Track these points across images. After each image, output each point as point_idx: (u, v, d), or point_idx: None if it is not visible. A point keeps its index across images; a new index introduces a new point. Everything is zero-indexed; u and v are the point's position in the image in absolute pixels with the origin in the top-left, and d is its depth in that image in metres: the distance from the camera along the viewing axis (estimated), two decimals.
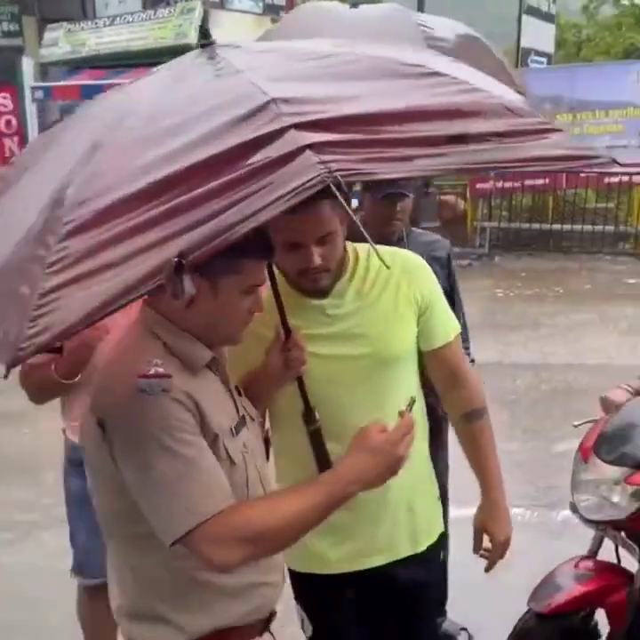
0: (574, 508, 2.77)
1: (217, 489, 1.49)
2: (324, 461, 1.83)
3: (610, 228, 12.31)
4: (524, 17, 15.04)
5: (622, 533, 2.75)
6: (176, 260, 1.17)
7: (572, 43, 22.33)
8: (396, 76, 1.52)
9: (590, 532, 2.88)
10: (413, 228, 3.16)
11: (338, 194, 1.21)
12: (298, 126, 1.27)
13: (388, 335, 2.01)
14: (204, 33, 1.57)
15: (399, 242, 2.88)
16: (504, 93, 1.58)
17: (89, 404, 1.55)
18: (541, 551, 3.62)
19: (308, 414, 1.87)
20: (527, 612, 2.72)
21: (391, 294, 2.02)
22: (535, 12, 15.50)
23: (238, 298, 1.53)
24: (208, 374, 1.61)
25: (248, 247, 1.41)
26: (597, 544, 2.86)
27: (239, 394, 1.73)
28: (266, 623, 1.74)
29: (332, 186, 1.19)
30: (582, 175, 10.44)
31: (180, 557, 1.52)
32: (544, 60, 15.39)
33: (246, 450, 1.64)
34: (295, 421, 1.90)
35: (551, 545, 3.96)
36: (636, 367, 3.27)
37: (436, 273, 2.18)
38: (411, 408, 1.63)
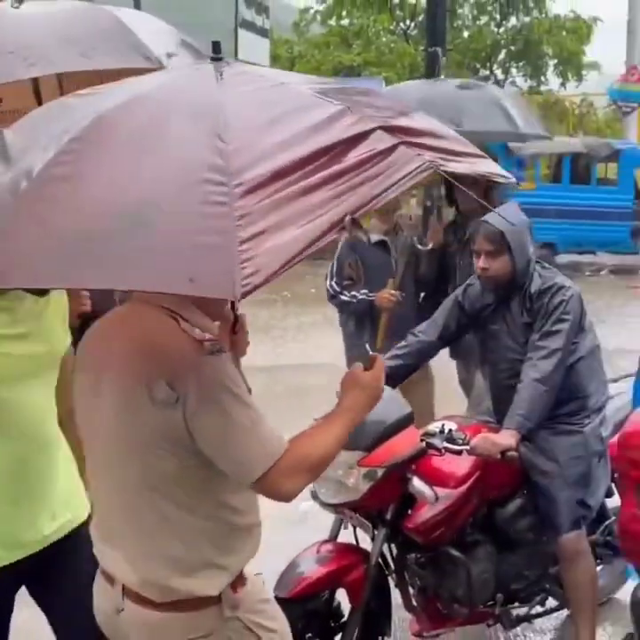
0: (315, 496, 2.91)
1: (275, 431, 1.74)
2: None
3: None
4: (240, 30, 15.44)
5: (358, 514, 2.94)
6: (350, 216, 1.44)
7: (285, 58, 23.31)
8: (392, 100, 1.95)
9: (332, 518, 3.04)
10: None
11: (446, 176, 1.62)
12: (381, 128, 1.60)
13: (59, 336, 2.19)
14: (216, 47, 1.73)
15: None
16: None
17: (147, 373, 1.70)
18: (287, 543, 3.75)
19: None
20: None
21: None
22: (250, 26, 15.98)
23: None
24: None
25: None
26: (337, 527, 3.04)
27: None
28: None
29: (438, 170, 1.58)
30: None
31: (220, 508, 1.81)
32: None
33: None
34: None
35: (296, 536, 4.10)
36: None
37: None
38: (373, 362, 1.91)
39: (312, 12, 25.15)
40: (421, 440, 2.83)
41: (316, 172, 1.47)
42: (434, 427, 2.91)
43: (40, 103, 2.42)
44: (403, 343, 3.31)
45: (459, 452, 2.83)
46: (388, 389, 2.99)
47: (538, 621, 3.42)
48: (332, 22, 24.57)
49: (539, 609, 3.32)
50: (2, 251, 1.46)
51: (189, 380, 1.66)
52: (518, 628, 3.37)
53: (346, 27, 24.18)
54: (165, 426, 1.69)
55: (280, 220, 1.39)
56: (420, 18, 23.32)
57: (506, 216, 3.13)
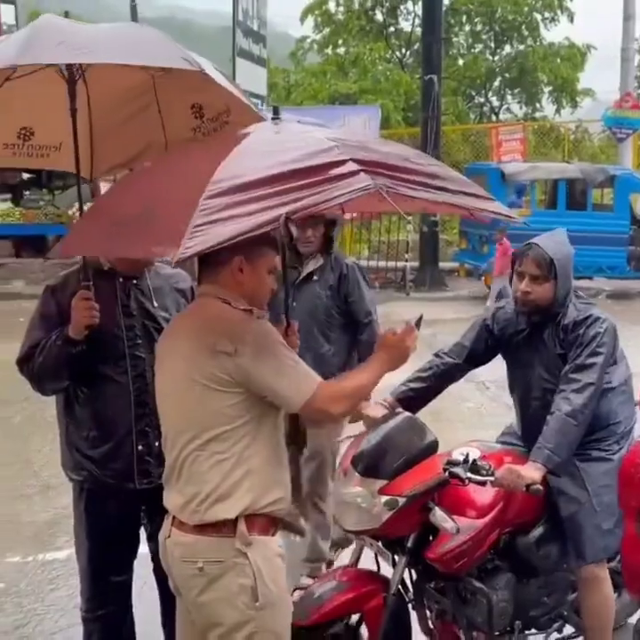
0: (336, 521, 2.90)
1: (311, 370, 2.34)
2: (294, 425, 2.48)
3: None
4: (238, 59, 15.52)
5: (379, 542, 2.94)
6: (285, 215, 1.94)
7: (282, 87, 23.50)
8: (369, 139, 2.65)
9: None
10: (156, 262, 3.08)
11: (387, 198, 2.04)
12: (353, 160, 2.09)
13: None
14: (276, 111, 2.46)
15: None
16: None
17: (212, 334, 2.26)
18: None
19: None
20: (292, 628, 2.77)
21: None
22: (247, 55, 16.05)
23: (265, 275, 2.39)
24: None
25: (271, 243, 2.39)
26: (358, 554, 3.02)
27: None
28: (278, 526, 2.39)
29: (380, 191, 2.03)
30: None
31: (252, 445, 2.27)
32: (259, 101, 16.02)
33: None
34: None
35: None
36: None
37: (181, 305, 2.79)
38: (418, 323, 2.45)
39: (309, 41, 25.44)
40: (444, 469, 2.80)
41: (276, 186, 2.00)
42: (458, 455, 2.88)
43: (73, 102, 2.66)
44: (425, 365, 3.26)
45: (483, 483, 2.78)
46: (410, 417, 2.99)
47: None
48: (329, 51, 24.83)
49: (556, 636, 3.31)
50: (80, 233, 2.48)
51: (246, 336, 2.24)
52: None
53: (342, 55, 24.43)
54: (220, 369, 2.22)
55: (229, 216, 1.94)
56: (416, 46, 23.61)
57: (555, 243, 3.08)
